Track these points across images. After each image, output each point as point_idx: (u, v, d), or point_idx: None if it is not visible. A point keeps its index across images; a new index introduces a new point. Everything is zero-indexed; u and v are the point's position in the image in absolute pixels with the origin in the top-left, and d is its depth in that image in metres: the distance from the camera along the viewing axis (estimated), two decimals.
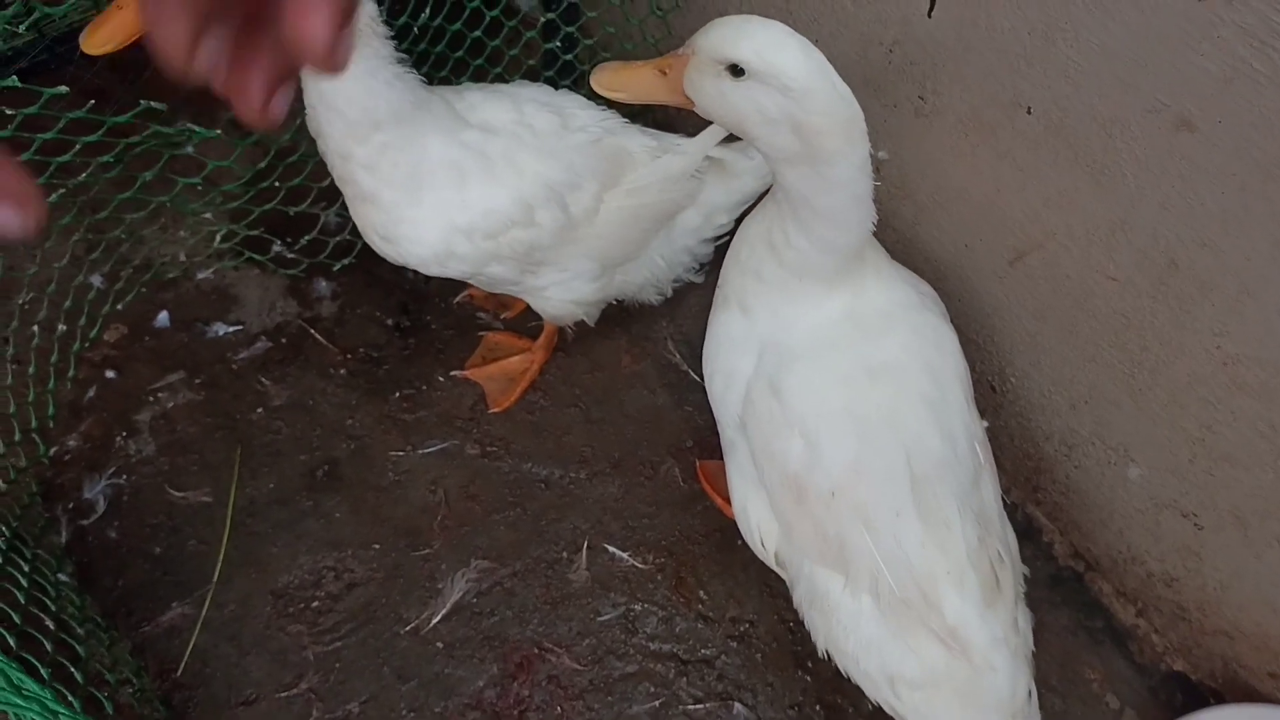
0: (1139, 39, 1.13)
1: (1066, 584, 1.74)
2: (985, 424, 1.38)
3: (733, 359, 1.37)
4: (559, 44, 1.95)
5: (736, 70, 1.09)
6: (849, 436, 1.24)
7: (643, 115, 2.19)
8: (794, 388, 1.27)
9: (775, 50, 1.08)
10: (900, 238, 1.67)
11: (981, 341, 1.63)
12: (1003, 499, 1.37)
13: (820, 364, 1.28)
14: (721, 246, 1.77)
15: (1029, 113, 1.32)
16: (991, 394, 1.68)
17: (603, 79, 1.20)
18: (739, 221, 1.67)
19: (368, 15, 1.26)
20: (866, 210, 1.19)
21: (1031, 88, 1.29)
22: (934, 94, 1.45)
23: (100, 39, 1.21)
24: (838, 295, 1.28)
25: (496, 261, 1.48)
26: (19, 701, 0.81)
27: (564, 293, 1.61)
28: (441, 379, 1.91)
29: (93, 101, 1.37)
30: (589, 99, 1.61)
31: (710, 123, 1.58)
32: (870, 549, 1.23)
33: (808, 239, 1.22)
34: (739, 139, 1.65)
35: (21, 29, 1.30)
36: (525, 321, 1.94)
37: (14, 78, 1.26)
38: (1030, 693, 1.27)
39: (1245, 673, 1.55)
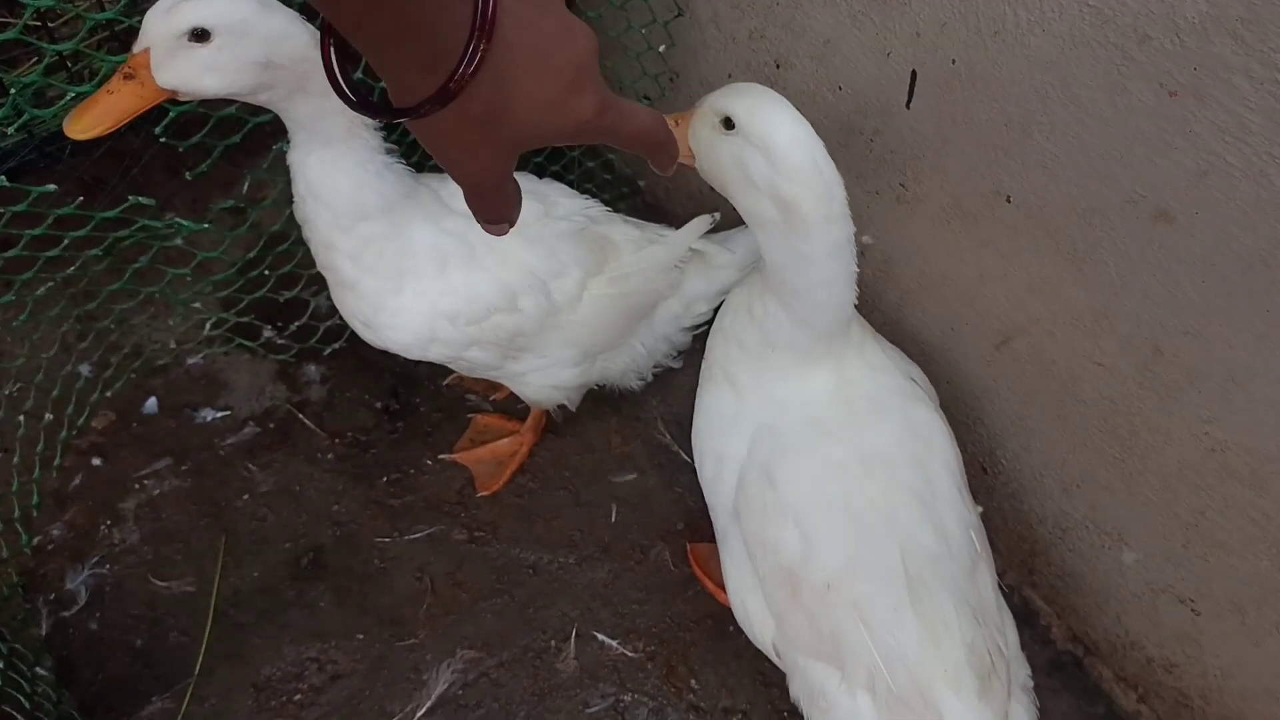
0: (1114, 132, 1.14)
1: (1066, 669, 1.70)
2: (980, 509, 1.37)
3: (723, 440, 1.36)
4: None
5: (729, 124, 1.13)
6: (845, 529, 1.23)
7: (630, 199, 2.22)
8: (789, 477, 1.26)
9: (766, 114, 1.12)
10: (886, 319, 1.67)
11: (971, 423, 1.62)
12: (1000, 584, 1.35)
13: (814, 452, 1.27)
14: (700, 335, 1.78)
15: (1009, 201, 1.33)
16: (983, 475, 1.66)
17: None
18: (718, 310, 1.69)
19: (329, 110, 1.26)
20: (842, 294, 1.20)
21: (1010, 178, 1.30)
22: (915, 182, 1.46)
23: (87, 123, 1.13)
24: (818, 372, 1.28)
25: (478, 347, 1.48)
26: None
27: (544, 379, 1.61)
28: (430, 462, 1.90)
29: (81, 198, 1.39)
30: (572, 188, 1.63)
31: (693, 217, 1.61)
32: (868, 646, 1.21)
33: (785, 311, 1.23)
34: (719, 231, 1.68)
35: (10, 130, 1.32)
36: (515, 403, 1.93)
37: (2, 177, 1.27)
38: None
39: None
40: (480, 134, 0.61)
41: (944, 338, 1.59)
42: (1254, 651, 1.38)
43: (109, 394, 1.88)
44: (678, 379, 2.03)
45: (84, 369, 1.86)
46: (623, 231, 1.59)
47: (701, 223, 1.59)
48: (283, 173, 1.61)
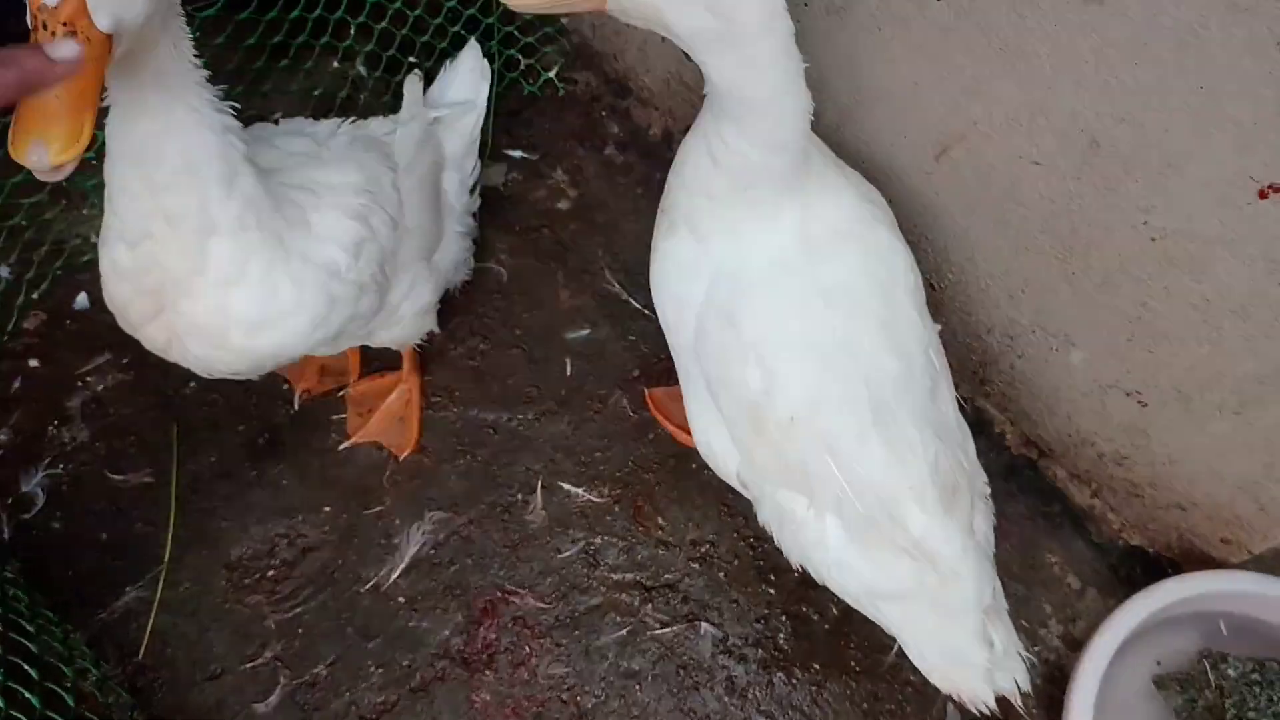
0: None
1: (1021, 472, 1.75)
2: (938, 327, 1.36)
3: (683, 285, 1.33)
4: None
5: None
6: (806, 363, 1.23)
7: (556, 41, 2.11)
8: (748, 316, 1.24)
9: None
10: (826, 141, 1.62)
11: (916, 240, 1.60)
12: (957, 398, 1.36)
13: (774, 291, 1.25)
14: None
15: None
16: (932, 292, 1.66)
17: None
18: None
19: (184, 50, 1.10)
20: (800, 98, 1.13)
21: None
22: None
23: (65, 139, 0.87)
24: (788, 208, 1.24)
25: (364, 292, 1.39)
26: None
27: (413, 305, 1.54)
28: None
29: None
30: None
31: (620, 52, 1.52)
32: (833, 473, 1.22)
33: (747, 139, 1.16)
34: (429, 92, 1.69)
35: None
36: (371, 363, 1.85)
37: None
38: (995, 589, 1.29)
39: (1200, 541, 1.57)
40: None
41: (884, 154, 1.55)
42: (1199, 435, 1.42)
43: (35, 295, 1.82)
44: (623, 227, 1.99)
45: (3, 271, 1.78)
46: (379, 128, 1.55)
47: (413, 83, 1.59)
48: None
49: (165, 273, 1.22)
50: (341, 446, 1.76)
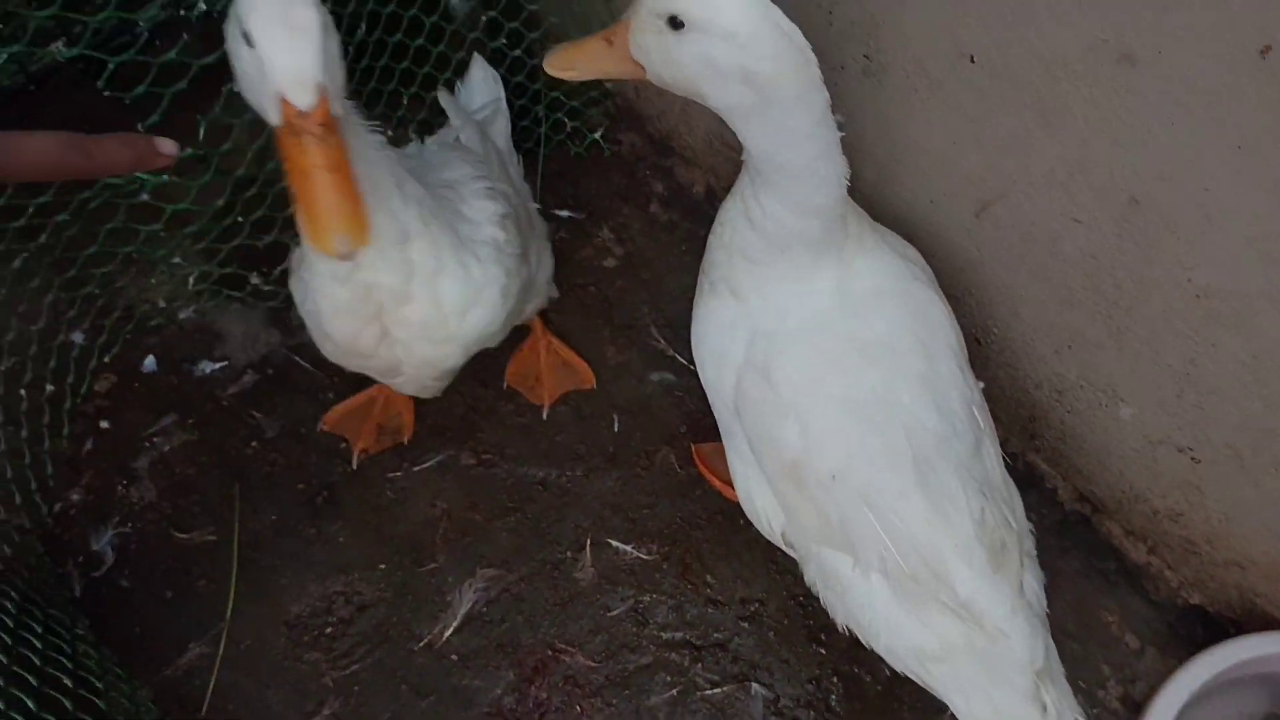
0: None
1: (1075, 528, 1.72)
2: (981, 385, 1.36)
3: (723, 343, 1.35)
4: (505, 41, 1.92)
5: (676, 23, 1.05)
6: (845, 420, 1.23)
7: (601, 103, 2.16)
8: (786, 374, 1.25)
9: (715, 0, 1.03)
10: (865, 200, 1.64)
11: (960, 296, 1.60)
12: (1004, 456, 1.35)
13: (812, 348, 1.26)
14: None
15: (972, 61, 1.29)
16: (978, 347, 1.65)
17: (554, 60, 1.18)
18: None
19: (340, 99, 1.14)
20: (836, 164, 1.15)
21: (971, 35, 1.26)
22: (878, 52, 1.42)
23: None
24: (825, 269, 1.25)
25: (522, 263, 1.49)
26: None
27: (545, 272, 1.70)
28: None
29: None
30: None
31: (664, 113, 1.56)
32: (876, 530, 1.22)
33: (783, 204, 1.18)
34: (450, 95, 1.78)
35: None
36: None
37: None
38: (1049, 650, 1.26)
39: (1262, 601, 1.53)
40: None
41: (925, 212, 1.56)
42: (1254, 492, 1.39)
43: (106, 358, 1.90)
44: (668, 282, 2.02)
45: (77, 336, 1.86)
46: (444, 137, 1.68)
47: (446, 96, 1.73)
48: (237, 113, 1.59)
49: (384, 291, 1.29)
50: (544, 415, 1.89)
